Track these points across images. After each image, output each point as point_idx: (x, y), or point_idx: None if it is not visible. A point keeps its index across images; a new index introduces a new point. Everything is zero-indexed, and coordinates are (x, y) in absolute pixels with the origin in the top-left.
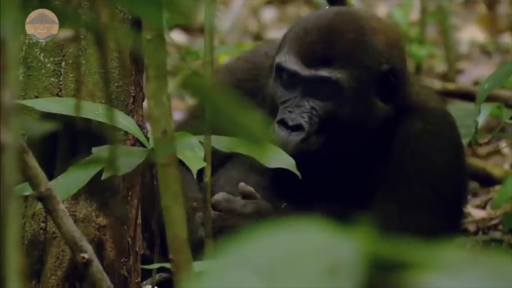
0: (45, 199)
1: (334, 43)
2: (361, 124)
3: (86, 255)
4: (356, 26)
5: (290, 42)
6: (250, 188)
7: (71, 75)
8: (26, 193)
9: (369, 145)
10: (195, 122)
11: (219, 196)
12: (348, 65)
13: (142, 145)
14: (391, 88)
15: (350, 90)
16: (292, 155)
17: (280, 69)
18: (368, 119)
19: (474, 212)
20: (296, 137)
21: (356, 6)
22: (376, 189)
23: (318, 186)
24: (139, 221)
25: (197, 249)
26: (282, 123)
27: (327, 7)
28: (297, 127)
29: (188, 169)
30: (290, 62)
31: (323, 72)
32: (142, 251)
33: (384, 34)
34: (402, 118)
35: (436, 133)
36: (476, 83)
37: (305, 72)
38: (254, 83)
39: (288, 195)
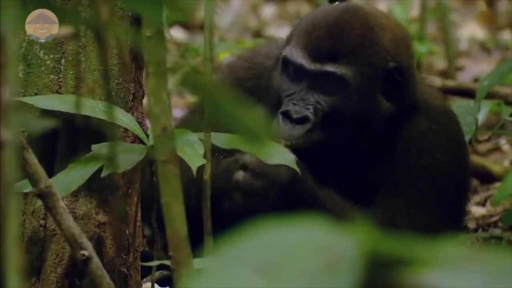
0: (45, 196)
1: (341, 39)
2: (364, 121)
3: (85, 252)
4: (363, 22)
5: (297, 36)
6: None
7: (71, 72)
8: (26, 190)
9: (373, 142)
10: (195, 119)
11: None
12: (354, 62)
13: (142, 142)
14: (396, 87)
15: (355, 86)
16: (296, 147)
17: (287, 62)
18: (372, 116)
19: (474, 209)
20: (300, 129)
21: (357, 3)
22: (380, 184)
23: (321, 181)
24: (139, 218)
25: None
26: (286, 115)
27: (336, 2)
28: (302, 120)
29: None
30: (297, 56)
31: (329, 67)
32: (142, 248)
33: (392, 32)
34: (407, 116)
35: (441, 131)
36: (476, 80)
37: (311, 66)
38: (253, 82)
39: None
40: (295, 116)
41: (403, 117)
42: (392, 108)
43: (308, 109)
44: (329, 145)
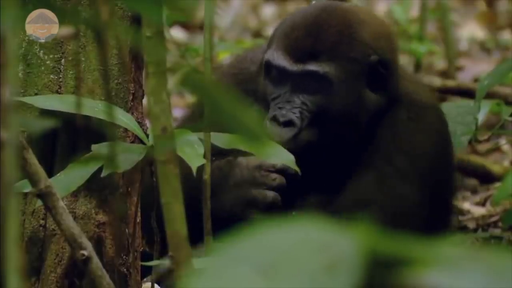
0: (44, 196)
1: (320, 37)
2: (352, 116)
3: (85, 252)
4: (341, 19)
5: (278, 38)
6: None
7: (70, 72)
8: (26, 190)
9: (361, 137)
10: (195, 120)
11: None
12: (335, 58)
13: (142, 142)
14: (381, 79)
15: (339, 82)
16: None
17: (269, 66)
18: (359, 110)
19: (474, 209)
20: (288, 132)
21: (356, 4)
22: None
23: (311, 178)
24: (139, 218)
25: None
26: (274, 120)
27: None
28: (288, 123)
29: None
30: (278, 58)
31: (311, 67)
32: (142, 248)
33: (371, 26)
34: (389, 109)
35: (421, 122)
36: (475, 80)
37: (293, 67)
38: (240, 88)
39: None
40: (281, 119)
41: (386, 109)
42: (379, 100)
43: (294, 112)
44: (319, 144)
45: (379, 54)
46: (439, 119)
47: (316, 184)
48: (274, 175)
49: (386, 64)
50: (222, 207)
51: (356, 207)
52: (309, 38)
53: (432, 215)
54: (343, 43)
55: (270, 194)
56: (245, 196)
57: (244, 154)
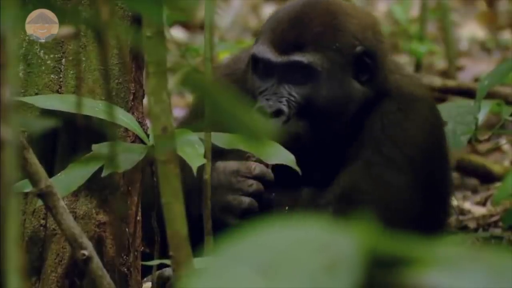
0: (45, 195)
1: (305, 28)
2: (339, 107)
3: (86, 252)
4: (325, 11)
5: (264, 33)
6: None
7: (71, 72)
8: (26, 190)
9: (349, 129)
10: (195, 120)
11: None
12: (319, 48)
13: (142, 142)
14: (368, 70)
15: (325, 73)
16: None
17: (256, 60)
18: (346, 101)
19: (474, 208)
20: (277, 122)
21: (356, 3)
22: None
23: (302, 171)
24: (139, 218)
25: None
26: (261, 111)
27: None
28: (277, 112)
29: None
30: (264, 52)
31: (295, 57)
32: (142, 248)
33: (357, 17)
34: (378, 101)
35: (411, 113)
36: (476, 80)
37: (278, 59)
38: (234, 87)
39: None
40: (269, 110)
41: (374, 102)
42: (367, 92)
43: (281, 101)
44: (308, 135)
45: (365, 45)
46: (431, 110)
47: (307, 178)
48: (250, 181)
49: (372, 55)
50: (198, 210)
51: (346, 198)
52: (294, 29)
53: (426, 211)
54: (327, 33)
55: (246, 200)
56: (220, 201)
57: (245, 154)
